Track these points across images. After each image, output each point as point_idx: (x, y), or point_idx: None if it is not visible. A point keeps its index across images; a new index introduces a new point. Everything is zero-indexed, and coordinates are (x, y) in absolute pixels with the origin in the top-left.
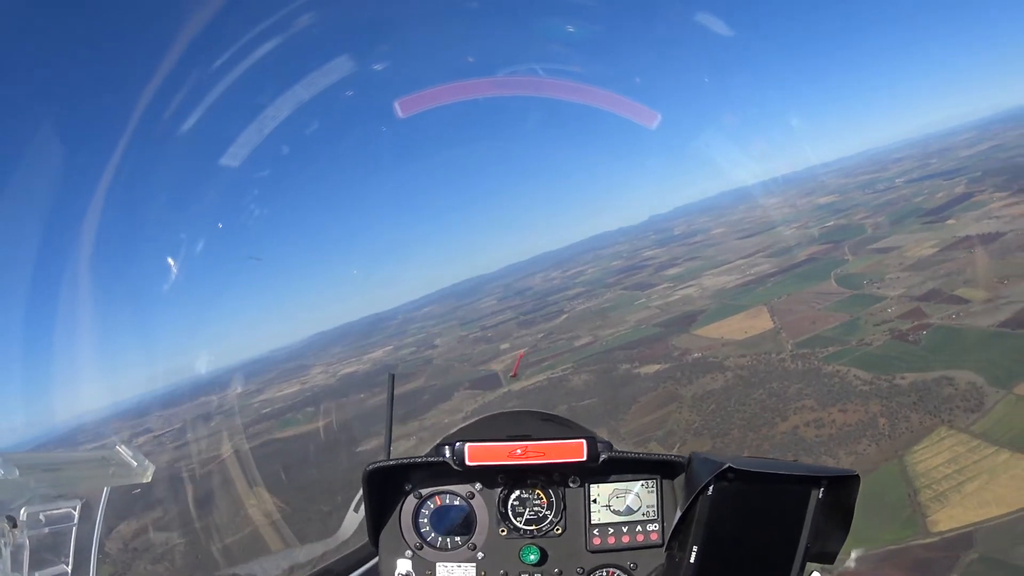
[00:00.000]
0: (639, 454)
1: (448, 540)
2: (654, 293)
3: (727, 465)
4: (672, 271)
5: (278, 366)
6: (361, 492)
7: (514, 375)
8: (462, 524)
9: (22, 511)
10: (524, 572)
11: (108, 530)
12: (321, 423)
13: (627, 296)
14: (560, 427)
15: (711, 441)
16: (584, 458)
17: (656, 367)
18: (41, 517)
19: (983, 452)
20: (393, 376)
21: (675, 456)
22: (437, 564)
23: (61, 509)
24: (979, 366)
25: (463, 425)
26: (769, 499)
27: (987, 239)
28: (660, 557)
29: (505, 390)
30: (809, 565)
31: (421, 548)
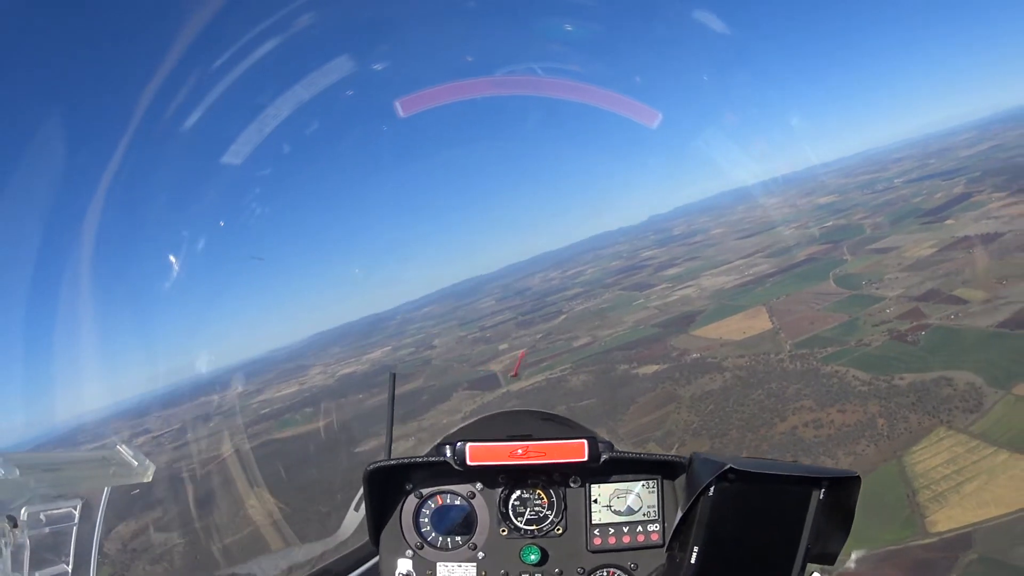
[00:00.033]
0: (640, 454)
1: (449, 540)
2: (653, 293)
3: (728, 466)
4: (671, 271)
5: (277, 366)
6: (361, 491)
7: (515, 375)
8: (463, 524)
9: (23, 511)
10: (525, 572)
11: (107, 531)
12: (319, 424)
13: (626, 296)
14: (561, 427)
15: (709, 442)
16: (585, 458)
17: (655, 367)
18: (41, 517)
19: (982, 452)
20: (394, 375)
21: (676, 456)
22: (438, 564)
23: (61, 509)
24: (978, 366)
25: (464, 425)
26: (770, 500)
27: (986, 239)
28: (661, 557)
29: (504, 390)
30: (809, 566)
31: (422, 548)
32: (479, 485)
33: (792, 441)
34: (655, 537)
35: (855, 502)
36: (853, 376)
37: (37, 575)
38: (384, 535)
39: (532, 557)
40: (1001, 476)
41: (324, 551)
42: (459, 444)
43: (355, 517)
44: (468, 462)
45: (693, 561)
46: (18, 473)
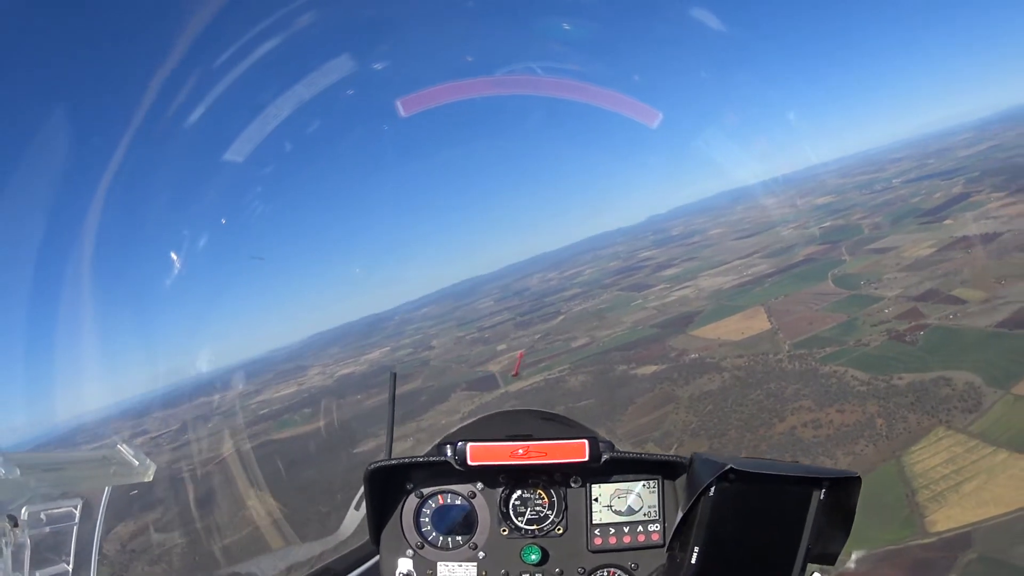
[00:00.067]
0: (641, 454)
1: (449, 539)
2: (651, 294)
3: (729, 466)
4: (669, 272)
5: (276, 367)
6: (362, 491)
7: (515, 374)
8: (463, 523)
9: (23, 510)
10: (525, 572)
11: (105, 531)
12: (318, 424)
13: (624, 297)
14: (562, 427)
15: (708, 442)
16: (586, 458)
17: (653, 368)
18: (42, 516)
19: (981, 452)
20: (395, 375)
21: (677, 457)
22: (438, 563)
23: (62, 508)
24: (977, 366)
25: (464, 424)
26: (770, 500)
27: (985, 239)
28: (661, 557)
29: (502, 391)
30: (810, 566)
31: (422, 547)
32: (480, 485)
33: (791, 441)
34: (656, 537)
35: (855, 502)
36: (852, 376)
37: (38, 574)
38: (385, 534)
39: (533, 557)
40: (1000, 475)
41: (324, 550)
42: (460, 444)
43: (356, 516)
44: (469, 462)
45: (693, 561)
46: (19, 473)
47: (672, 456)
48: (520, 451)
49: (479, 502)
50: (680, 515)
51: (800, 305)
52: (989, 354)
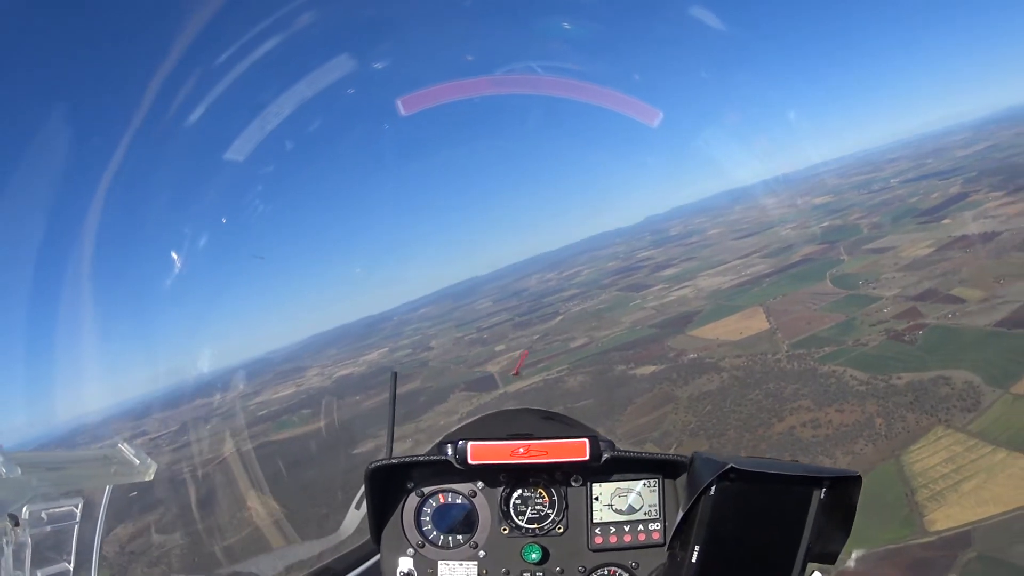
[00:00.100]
0: (641, 453)
1: (450, 538)
2: (650, 294)
3: (729, 465)
4: (668, 272)
5: (274, 368)
6: (363, 490)
7: (516, 373)
8: (464, 522)
9: (24, 509)
10: (526, 571)
11: (105, 532)
12: (316, 425)
13: (623, 297)
14: (562, 426)
15: (707, 442)
16: (587, 457)
17: (652, 368)
18: (43, 515)
19: (980, 451)
20: (395, 374)
21: (677, 456)
22: (439, 562)
23: (63, 507)
24: (976, 365)
25: (465, 423)
26: (771, 499)
27: (983, 238)
28: (662, 556)
29: (501, 391)
30: (810, 565)
31: (423, 546)
32: (480, 484)
33: (790, 441)
34: (656, 536)
35: (856, 501)
36: (851, 376)
37: (39, 574)
38: (385, 534)
39: (533, 556)
40: (1000, 475)
41: (325, 549)
42: (460, 443)
43: (356, 515)
44: (469, 461)
45: (694, 560)
46: (20, 472)
47: (673, 455)
48: (521, 450)
49: (480, 501)
50: (681, 514)
51: (798, 305)
52: (988, 353)
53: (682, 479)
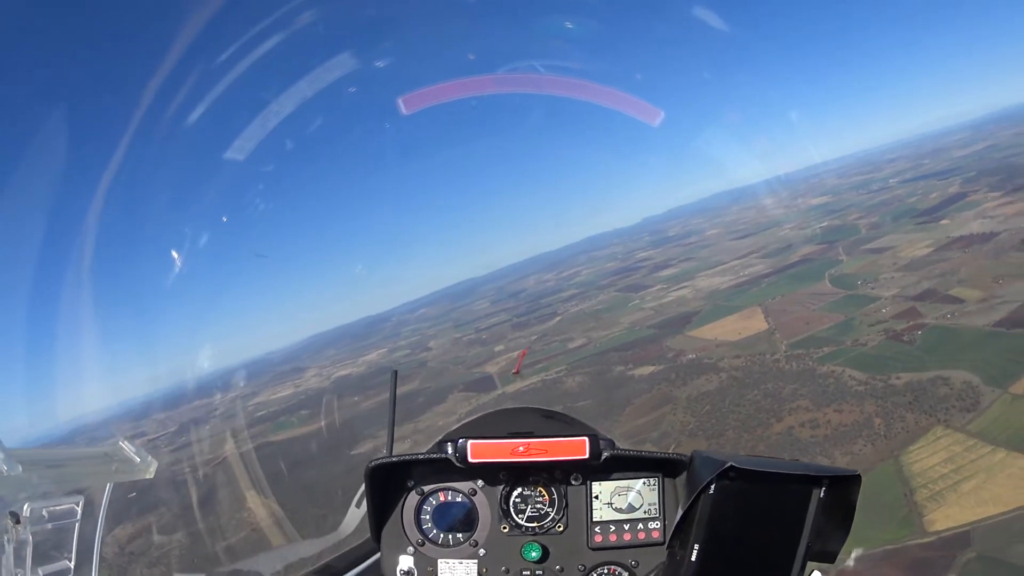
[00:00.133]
0: (641, 452)
1: (450, 537)
2: (648, 295)
3: (729, 464)
4: (666, 272)
5: (273, 368)
6: (363, 488)
7: (516, 372)
8: (464, 521)
9: (25, 507)
10: (526, 569)
11: (105, 531)
12: (315, 426)
13: (621, 298)
14: (562, 424)
15: (706, 443)
16: (587, 456)
17: (650, 369)
18: (44, 513)
19: (979, 451)
20: (396, 373)
21: (677, 454)
22: (439, 560)
23: (64, 505)
24: (974, 365)
25: (465, 421)
26: (771, 498)
27: (982, 239)
28: (661, 555)
29: (500, 392)
30: (810, 564)
31: (423, 544)
32: (480, 482)
33: (789, 441)
34: (656, 535)
35: (855, 500)
36: (849, 376)
37: (40, 571)
38: (385, 532)
39: (533, 554)
40: (999, 475)
41: (325, 548)
42: (460, 441)
43: (356, 514)
44: (470, 459)
45: (694, 559)
46: (20, 469)
47: (672, 454)
48: (521, 448)
49: (480, 499)
50: (680, 513)
51: (797, 305)
52: (987, 353)
53: (682, 478)
